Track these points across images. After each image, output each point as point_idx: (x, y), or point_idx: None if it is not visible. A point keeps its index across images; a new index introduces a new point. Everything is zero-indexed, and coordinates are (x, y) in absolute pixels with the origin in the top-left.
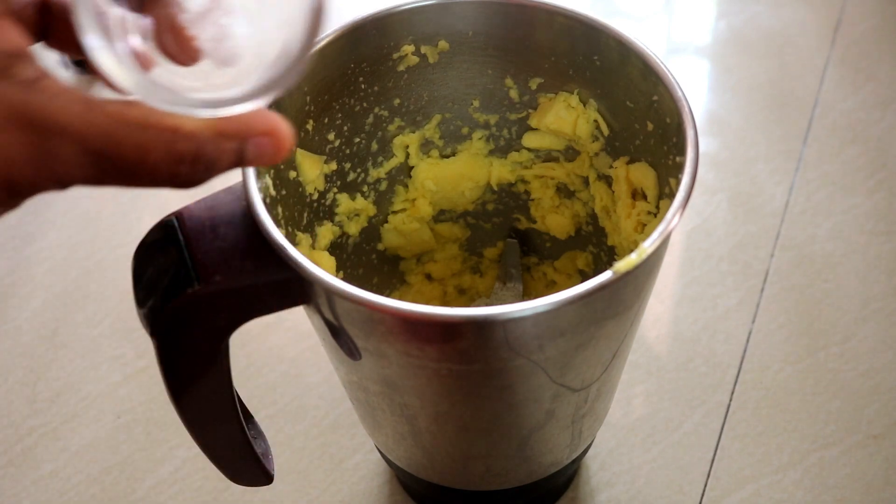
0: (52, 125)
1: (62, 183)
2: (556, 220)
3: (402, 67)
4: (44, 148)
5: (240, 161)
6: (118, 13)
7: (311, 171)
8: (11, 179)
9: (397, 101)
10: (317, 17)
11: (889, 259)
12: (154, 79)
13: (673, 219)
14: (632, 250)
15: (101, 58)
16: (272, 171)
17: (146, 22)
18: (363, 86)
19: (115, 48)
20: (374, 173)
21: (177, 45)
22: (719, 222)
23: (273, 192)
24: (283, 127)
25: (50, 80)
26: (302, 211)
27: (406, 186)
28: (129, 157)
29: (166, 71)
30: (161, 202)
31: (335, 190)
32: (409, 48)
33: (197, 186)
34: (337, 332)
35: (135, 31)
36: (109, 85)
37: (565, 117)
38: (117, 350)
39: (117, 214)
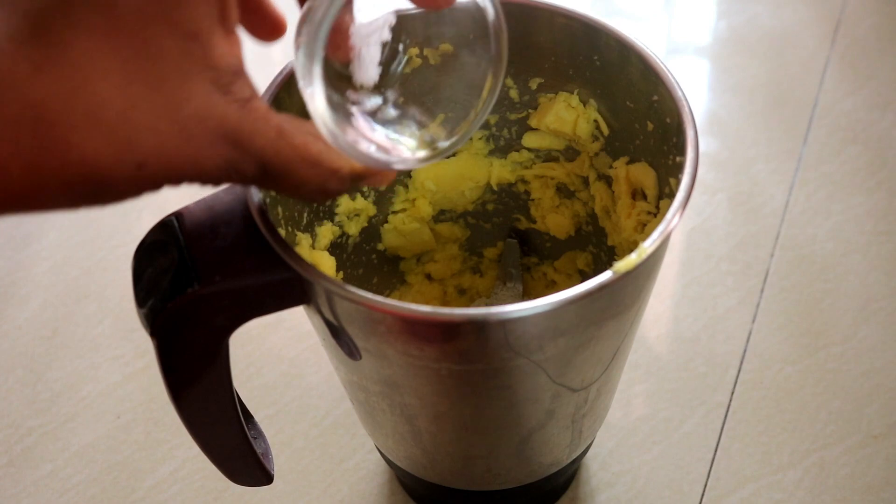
0: (249, 147)
1: (219, 183)
2: (556, 220)
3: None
4: (234, 163)
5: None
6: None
7: None
8: (193, 179)
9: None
10: (489, 103)
11: (889, 259)
12: (348, 135)
13: (673, 219)
14: (632, 250)
15: (315, 107)
16: None
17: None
18: None
19: (324, 97)
20: None
21: (340, 42)
22: (719, 222)
23: (273, 192)
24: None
25: (257, 101)
26: (302, 211)
27: (406, 186)
28: (293, 183)
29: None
30: (161, 202)
31: None
32: (413, 50)
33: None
34: (337, 332)
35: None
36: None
37: (565, 117)
38: (117, 350)
39: (117, 214)
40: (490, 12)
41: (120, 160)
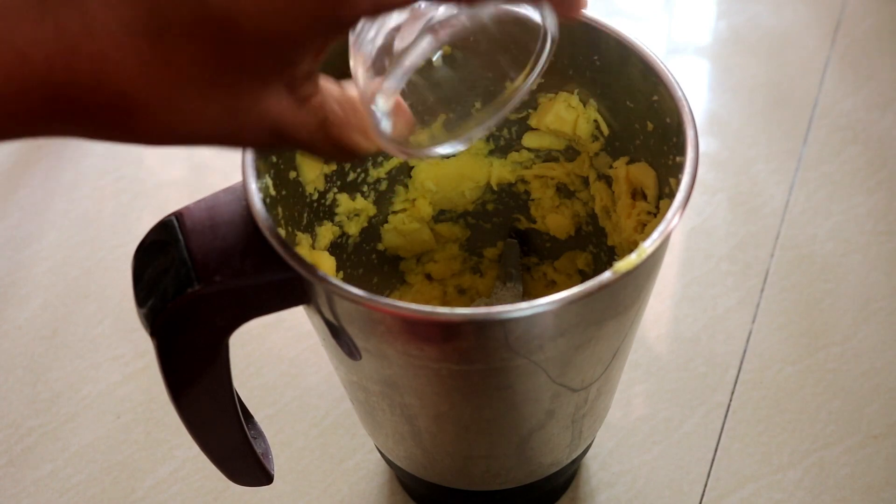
0: (290, 138)
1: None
2: (556, 220)
3: None
4: (270, 146)
5: None
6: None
7: (311, 171)
8: (223, 146)
9: None
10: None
11: (889, 259)
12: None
13: (673, 219)
14: (632, 250)
15: (381, 132)
16: (272, 171)
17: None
18: None
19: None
20: (374, 173)
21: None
22: (719, 222)
23: (273, 192)
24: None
25: (316, 97)
26: (302, 211)
27: (406, 186)
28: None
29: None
30: (161, 202)
31: (335, 190)
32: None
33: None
34: (337, 332)
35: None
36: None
37: (565, 117)
38: (117, 350)
39: (117, 214)
40: (550, 36)
41: (173, 138)
